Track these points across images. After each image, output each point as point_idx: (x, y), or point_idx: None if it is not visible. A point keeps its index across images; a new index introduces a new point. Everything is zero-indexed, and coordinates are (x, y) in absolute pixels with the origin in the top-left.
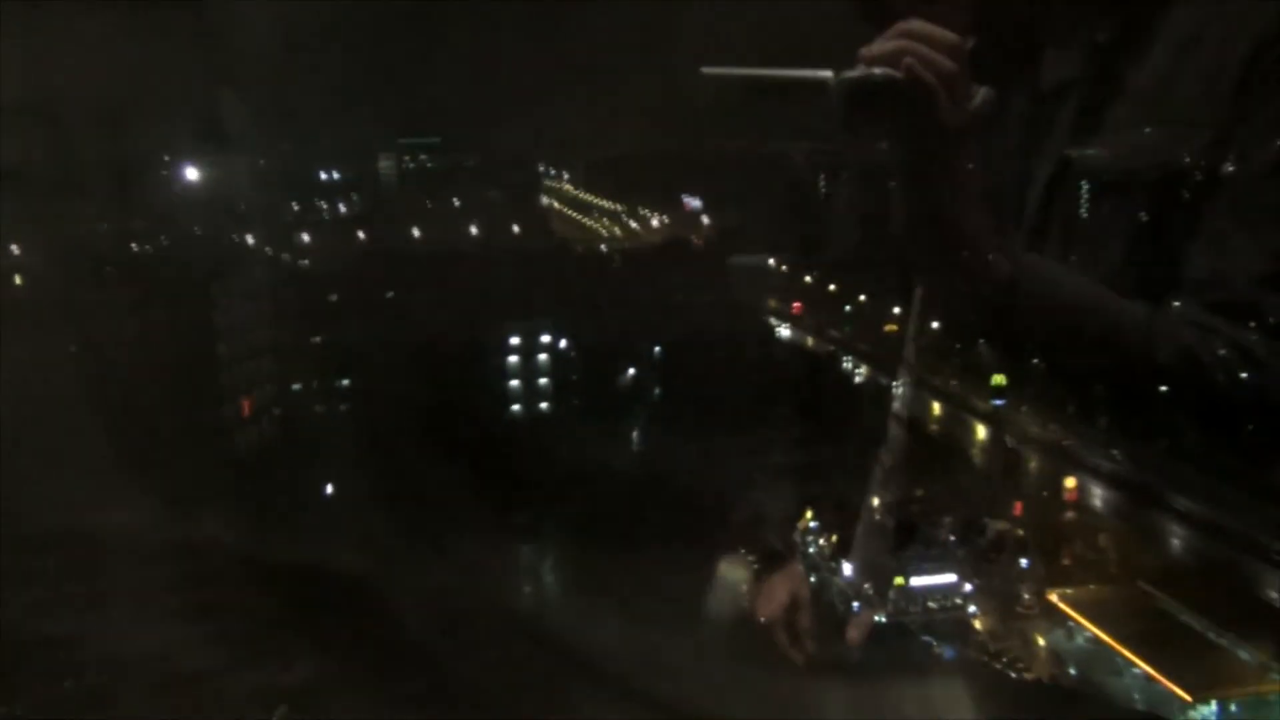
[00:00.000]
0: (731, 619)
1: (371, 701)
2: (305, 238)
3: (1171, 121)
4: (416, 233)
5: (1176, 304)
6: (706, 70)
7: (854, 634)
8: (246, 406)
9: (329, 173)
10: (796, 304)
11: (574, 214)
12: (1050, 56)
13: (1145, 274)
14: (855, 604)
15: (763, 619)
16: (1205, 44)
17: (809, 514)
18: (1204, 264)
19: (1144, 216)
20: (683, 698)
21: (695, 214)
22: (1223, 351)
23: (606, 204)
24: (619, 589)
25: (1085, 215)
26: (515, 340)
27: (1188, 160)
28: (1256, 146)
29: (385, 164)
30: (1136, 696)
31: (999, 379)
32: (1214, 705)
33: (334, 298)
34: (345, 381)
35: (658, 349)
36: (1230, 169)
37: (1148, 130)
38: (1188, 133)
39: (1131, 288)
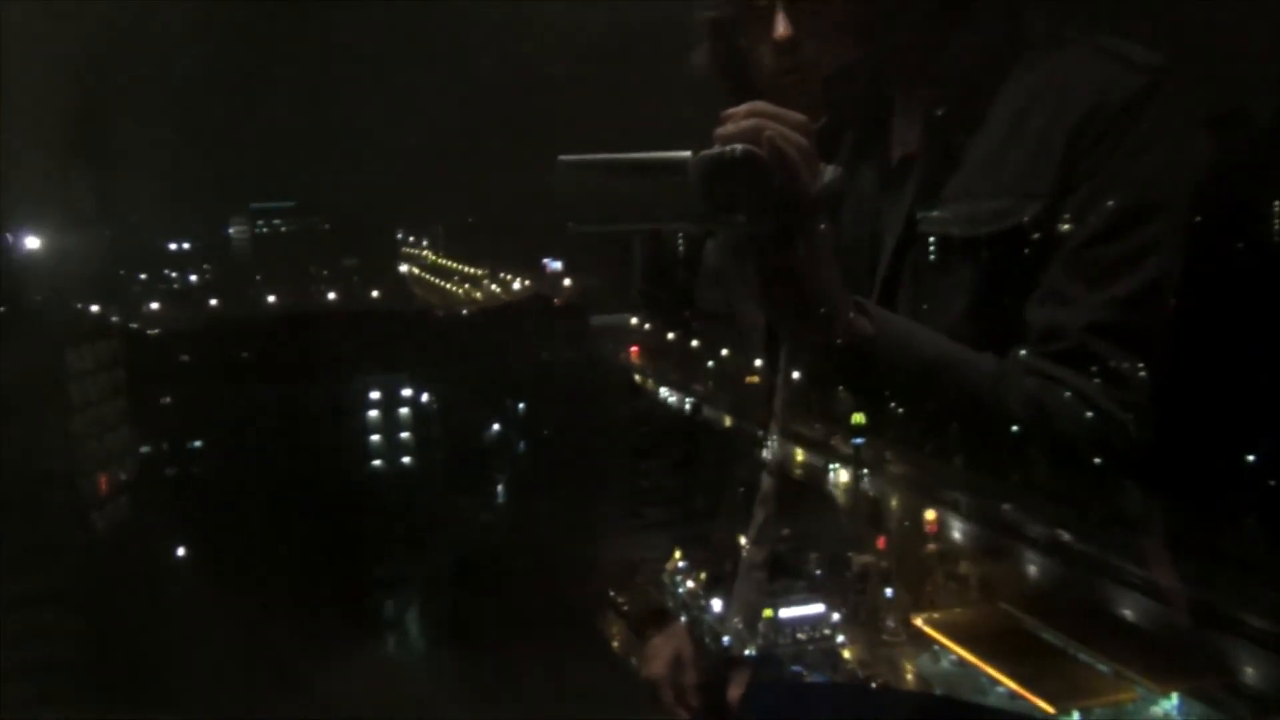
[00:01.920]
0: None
1: None
2: (155, 306)
3: (1006, 190)
4: (272, 299)
5: (1020, 354)
6: (564, 158)
7: (734, 692)
8: (103, 483)
9: (178, 242)
10: (634, 348)
11: (434, 279)
12: (895, 132)
13: (990, 328)
14: (725, 639)
15: (647, 677)
16: (1034, 116)
17: (678, 555)
18: (1043, 316)
19: (986, 275)
20: None
21: (557, 276)
22: (1064, 397)
23: (468, 269)
24: (483, 644)
25: (932, 276)
26: (375, 395)
27: (1023, 224)
28: (1087, 210)
29: (237, 229)
30: None
31: (858, 418)
32: (1076, 715)
33: (185, 358)
34: (199, 444)
35: (521, 405)
36: (1063, 231)
37: (984, 199)
38: (1021, 201)
39: (978, 342)
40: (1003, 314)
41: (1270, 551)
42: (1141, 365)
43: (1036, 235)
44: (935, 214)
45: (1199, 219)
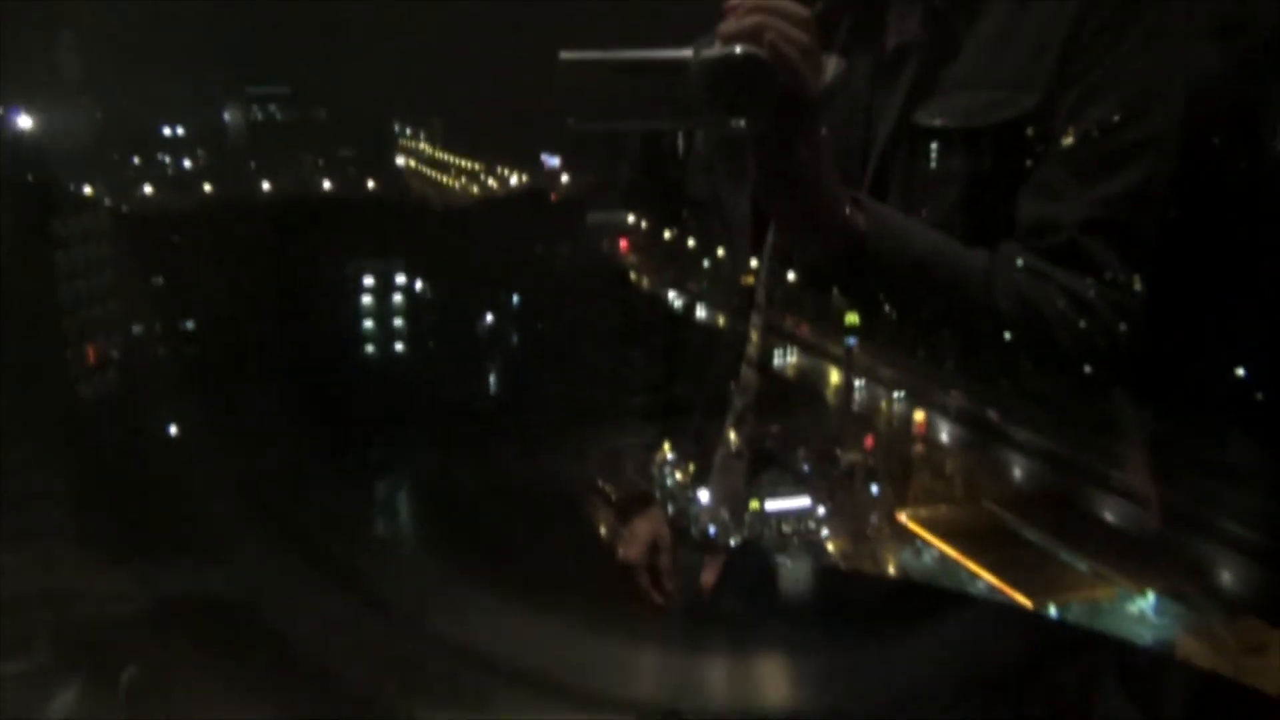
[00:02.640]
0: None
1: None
2: (148, 190)
3: (1002, 83)
4: (266, 186)
5: (1012, 250)
6: (565, 55)
7: (708, 577)
8: (91, 354)
9: (172, 126)
10: (624, 241)
11: (431, 172)
12: (892, 20)
13: (982, 225)
14: (711, 528)
15: (624, 561)
16: (1035, 9)
17: (667, 446)
18: (1036, 212)
19: (980, 169)
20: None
21: (554, 173)
22: (1054, 293)
23: (465, 163)
24: (471, 527)
25: (925, 169)
26: (369, 282)
27: (1019, 118)
28: (1084, 105)
29: (232, 115)
30: None
31: (852, 317)
32: (1053, 610)
33: (178, 240)
34: (190, 324)
35: (515, 297)
36: (1060, 126)
37: (980, 91)
38: (1017, 94)
39: (970, 238)
40: (996, 209)
41: (1250, 459)
42: (1133, 264)
43: (1032, 129)
44: (930, 105)
45: (1196, 120)
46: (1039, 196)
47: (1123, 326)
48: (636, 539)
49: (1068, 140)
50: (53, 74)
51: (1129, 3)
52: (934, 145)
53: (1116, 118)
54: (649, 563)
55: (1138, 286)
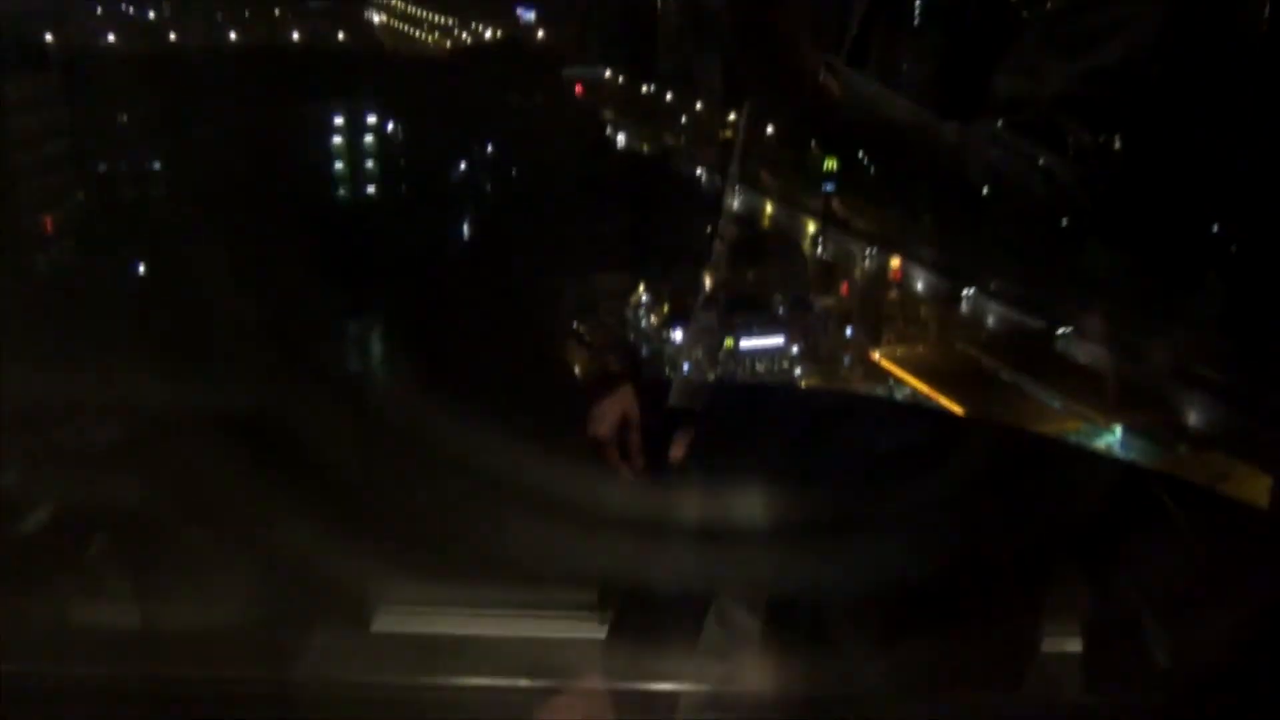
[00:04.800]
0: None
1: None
2: (111, 39)
3: None
4: (233, 36)
5: (984, 126)
6: None
7: (676, 451)
8: (48, 223)
9: None
10: (579, 87)
11: (404, 26)
12: None
13: (957, 97)
14: (685, 365)
15: (593, 435)
16: None
17: (641, 289)
18: (1011, 86)
19: (957, 42)
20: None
21: (530, 27)
22: (1025, 172)
23: (438, 17)
24: (447, 366)
25: (902, 41)
26: (338, 121)
27: None
28: None
29: None
30: None
31: (830, 163)
32: None
33: (144, 85)
34: (156, 166)
35: (489, 146)
36: (1036, 2)
37: None
38: None
39: (944, 110)
40: (971, 83)
41: (1216, 307)
42: (1105, 140)
43: (1008, 4)
44: None
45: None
46: (1014, 72)
47: (1091, 200)
48: (604, 418)
49: (1046, 14)
50: None
51: None
52: (910, 18)
53: None
54: (619, 439)
55: (1109, 161)
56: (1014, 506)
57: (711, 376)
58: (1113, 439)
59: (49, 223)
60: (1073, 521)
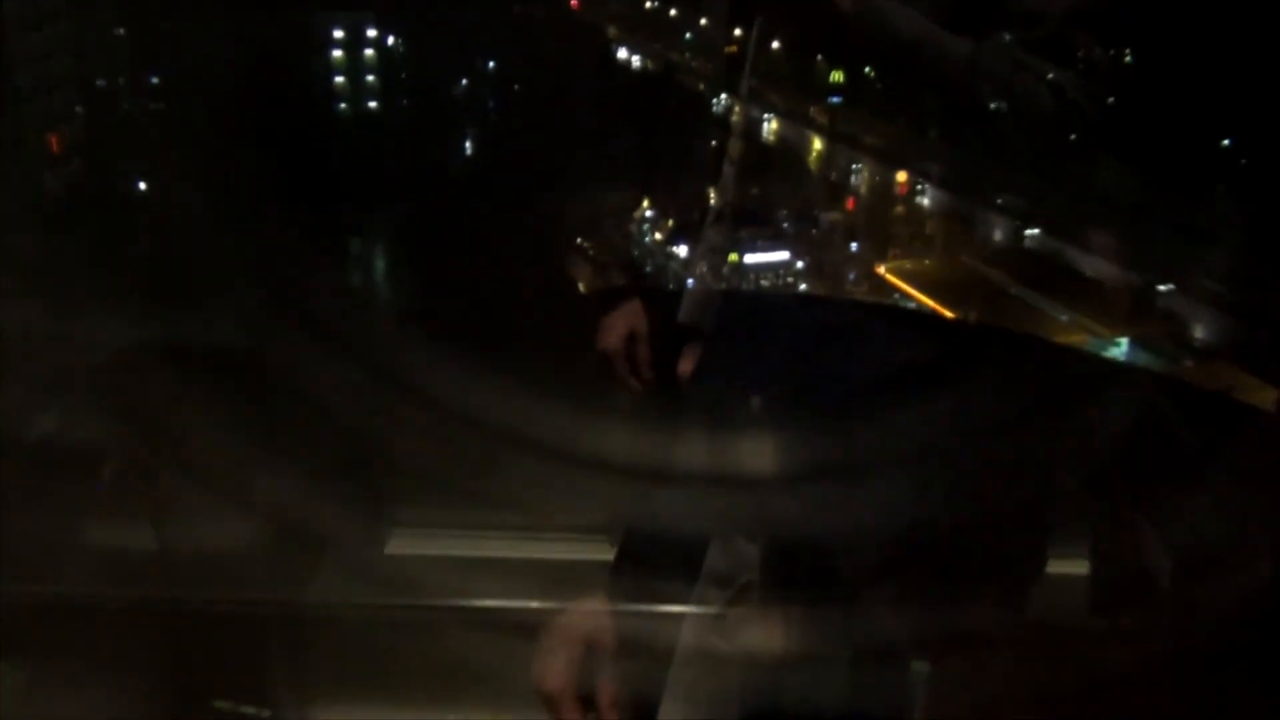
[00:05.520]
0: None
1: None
2: None
3: None
4: None
5: (995, 41)
6: None
7: (684, 366)
8: (55, 142)
9: None
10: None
11: None
12: None
13: (968, 13)
14: (689, 280)
15: (602, 349)
16: None
17: (645, 204)
18: (1022, 2)
19: None
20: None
21: None
22: (1036, 85)
23: None
24: (450, 280)
25: None
26: (338, 34)
27: None
28: None
29: None
30: None
31: (836, 75)
32: None
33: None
34: (155, 80)
35: (492, 61)
36: None
37: None
38: None
39: (956, 24)
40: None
41: (1223, 220)
42: (1116, 54)
43: None
44: None
45: None
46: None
47: (1101, 114)
48: (613, 330)
49: None
50: None
51: None
52: None
53: None
54: (627, 352)
55: (1119, 75)
56: (1028, 417)
57: (718, 290)
58: (1119, 351)
59: (55, 141)
60: (1084, 432)
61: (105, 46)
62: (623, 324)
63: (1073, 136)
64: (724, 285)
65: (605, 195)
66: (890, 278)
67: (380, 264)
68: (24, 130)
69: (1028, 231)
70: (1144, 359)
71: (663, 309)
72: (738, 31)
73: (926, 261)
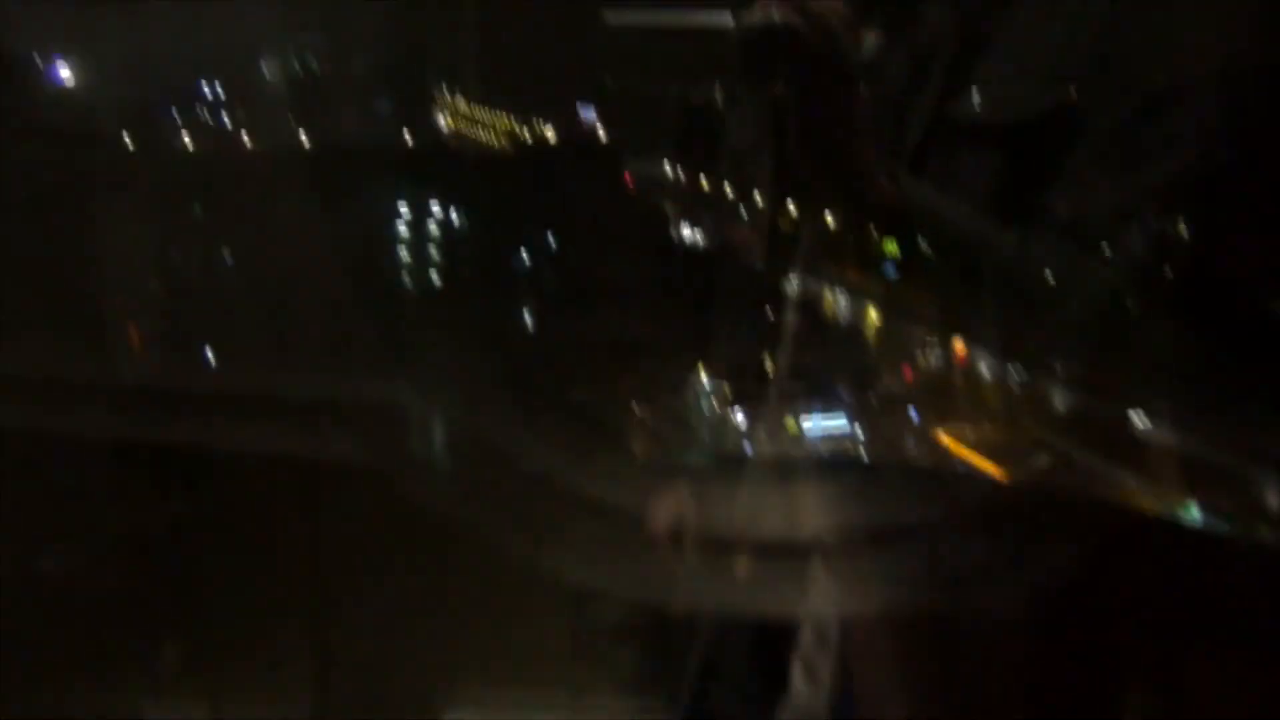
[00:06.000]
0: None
1: None
2: (187, 139)
3: (1035, 76)
4: (304, 140)
5: (1043, 239)
6: (611, 15)
7: (741, 568)
8: (134, 333)
9: (210, 82)
10: (628, 177)
11: (467, 126)
12: (926, 13)
13: (1015, 211)
14: (746, 445)
15: (650, 529)
16: (1065, 4)
17: (703, 373)
18: (1068, 201)
19: (1012, 161)
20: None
21: (590, 125)
22: (1085, 285)
23: (501, 116)
24: (510, 453)
25: (958, 159)
26: (404, 211)
27: (1052, 110)
28: (1118, 99)
29: (268, 67)
30: None
31: (891, 246)
32: None
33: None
34: (230, 260)
35: (550, 236)
36: (1092, 119)
37: (1013, 86)
38: (1051, 87)
39: (1002, 222)
40: (1028, 197)
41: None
42: (1164, 253)
43: (1064, 122)
44: (963, 99)
45: (1230, 110)
46: (1071, 186)
47: (1154, 302)
48: (661, 512)
49: (1101, 131)
50: (91, 29)
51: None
52: (969, 135)
53: (1148, 110)
54: (672, 535)
55: (1168, 274)
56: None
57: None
58: (1189, 517)
59: (135, 333)
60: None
61: (181, 226)
62: (670, 507)
63: (1129, 305)
64: (781, 451)
65: (664, 365)
66: (951, 445)
67: (438, 430)
68: (105, 309)
69: (1089, 398)
70: (1215, 524)
71: (717, 490)
72: (793, 209)
73: (987, 429)
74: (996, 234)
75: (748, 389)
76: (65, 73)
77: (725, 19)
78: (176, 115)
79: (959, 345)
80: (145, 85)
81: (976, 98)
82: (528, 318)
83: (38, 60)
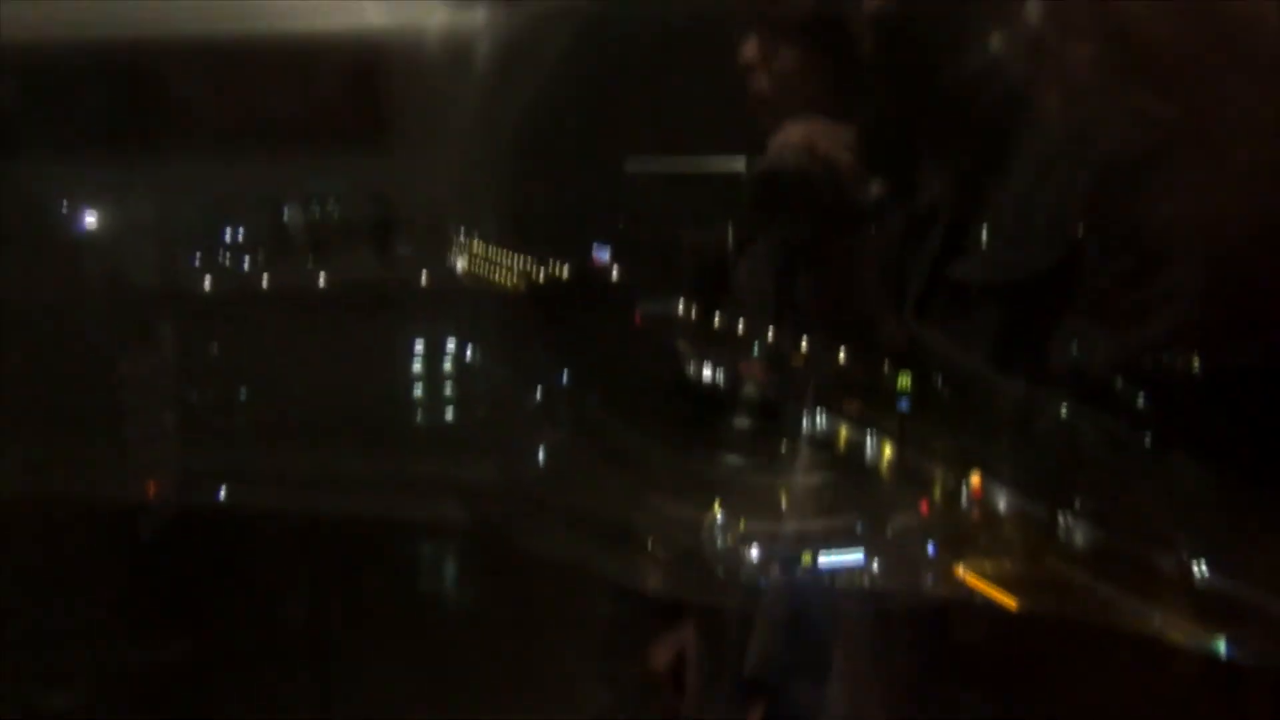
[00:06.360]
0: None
1: None
2: (207, 282)
3: (1031, 239)
4: (323, 277)
5: (1045, 393)
6: (630, 162)
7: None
8: (152, 488)
9: (233, 226)
10: (637, 315)
11: (484, 267)
12: (923, 179)
13: (1015, 365)
14: (762, 580)
15: (652, 669)
16: (1060, 167)
17: (717, 507)
18: (1066, 358)
19: (1011, 320)
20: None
21: (604, 266)
22: (1088, 436)
23: (518, 258)
24: (522, 583)
25: (957, 318)
26: (418, 347)
27: (1046, 273)
28: (1111, 258)
29: (291, 212)
30: None
31: (904, 381)
32: None
33: (241, 319)
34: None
35: (565, 373)
36: (1087, 278)
37: (1009, 249)
38: (1046, 250)
39: (1004, 375)
40: (1028, 353)
41: None
42: (1166, 405)
43: (1060, 281)
44: (961, 262)
45: (1223, 264)
46: (1069, 342)
47: (1158, 459)
48: (663, 652)
49: (1097, 291)
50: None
51: (1149, 160)
52: (967, 296)
53: (1142, 268)
54: (674, 676)
55: (1173, 424)
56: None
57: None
58: (1217, 651)
59: (152, 487)
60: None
61: (201, 365)
62: (672, 647)
63: (1129, 480)
64: (795, 584)
65: (675, 503)
66: (970, 580)
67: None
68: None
69: (1109, 532)
70: (1243, 657)
71: (723, 635)
72: (804, 344)
73: (1004, 562)
74: (1000, 389)
75: (762, 523)
76: (92, 221)
77: (738, 164)
78: (197, 263)
79: (975, 479)
80: (170, 233)
81: (976, 252)
82: (540, 454)
83: (66, 210)
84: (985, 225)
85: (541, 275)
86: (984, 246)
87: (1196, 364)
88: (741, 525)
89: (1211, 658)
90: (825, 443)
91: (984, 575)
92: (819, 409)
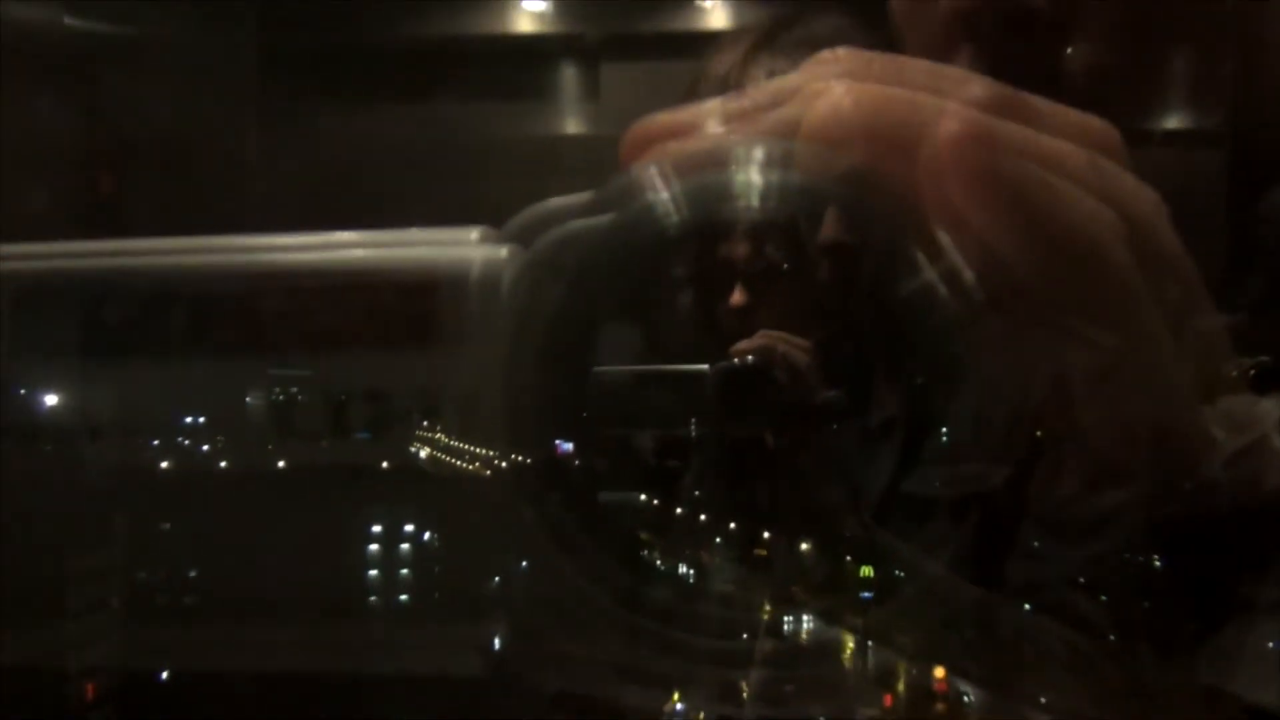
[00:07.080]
0: None
1: None
2: (165, 465)
3: (984, 454)
4: (281, 463)
5: (1004, 604)
6: (597, 369)
7: None
8: (90, 690)
9: (194, 415)
10: (600, 505)
11: (445, 455)
12: (876, 395)
13: (973, 572)
14: None
15: None
16: (1010, 382)
17: (675, 698)
18: (1021, 572)
19: (966, 532)
20: None
21: (567, 455)
22: (1051, 643)
23: (477, 449)
24: None
25: (914, 531)
26: (376, 531)
27: (1000, 485)
28: (1060, 471)
29: (253, 398)
30: None
31: (867, 570)
32: None
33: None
34: (193, 574)
35: (525, 561)
36: (1038, 491)
37: (961, 465)
38: (998, 465)
39: (970, 576)
40: (984, 562)
41: None
42: (1123, 612)
43: (1014, 495)
44: (914, 476)
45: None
46: (1022, 558)
47: (1127, 650)
48: None
49: (1045, 507)
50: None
51: (1093, 376)
52: (922, 511)
53: (1097, 478)
54: None
55: (1135, 627)
56: None
57: None
58: None
59: (91, 690)
60: None
61: (150, 544)
62: None
63: (1096, 671)
64: None
65: (632, 692)
66: None
67: None
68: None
69: None
70: None
71: None
72: (765, 534)
73: None
74: (963, 592)
75: (722, 715)
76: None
77: (701, 367)
78: (155, 441)
79: (939, 672)
80: (133, 424)
81: (925, 480)
82: (495, 642)
83: (41, 409)
84: (937, 442)
85: (503, 465)
86: (937, 464)
87: (1156, 563)
88: (701, 717)
89: None
90: (788, 634)
91: None
92: (779, 601)
